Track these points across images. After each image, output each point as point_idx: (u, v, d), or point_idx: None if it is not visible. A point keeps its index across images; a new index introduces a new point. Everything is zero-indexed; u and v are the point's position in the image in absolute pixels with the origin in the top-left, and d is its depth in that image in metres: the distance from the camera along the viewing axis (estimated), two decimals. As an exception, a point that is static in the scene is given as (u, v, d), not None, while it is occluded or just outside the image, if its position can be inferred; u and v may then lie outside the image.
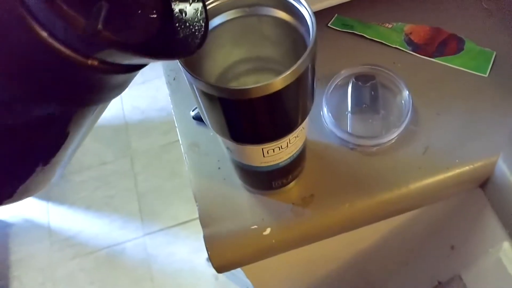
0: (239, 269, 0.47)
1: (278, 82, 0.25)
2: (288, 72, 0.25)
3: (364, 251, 0.60)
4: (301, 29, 0.30)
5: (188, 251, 1.36)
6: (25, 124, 0.20)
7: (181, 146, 0.46)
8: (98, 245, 1.40)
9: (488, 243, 0.49)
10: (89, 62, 0.18)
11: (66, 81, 0.19)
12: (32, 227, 1.46)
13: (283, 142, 0.32)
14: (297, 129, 0.32)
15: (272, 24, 0.31)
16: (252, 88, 0.25)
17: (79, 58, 0.18)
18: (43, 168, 0.23)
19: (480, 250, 0.51)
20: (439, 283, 0.65)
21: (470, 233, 0.53)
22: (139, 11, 0.21)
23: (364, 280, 0.75)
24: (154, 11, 0.21)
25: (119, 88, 0.22)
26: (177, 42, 0.22)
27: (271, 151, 0.33)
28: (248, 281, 0.54)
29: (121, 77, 0.21)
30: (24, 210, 1.50)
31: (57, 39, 0.17)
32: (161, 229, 1.41)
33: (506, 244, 0.45)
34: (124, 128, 1.65)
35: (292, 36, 0.31)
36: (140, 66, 0.22)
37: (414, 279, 0.73)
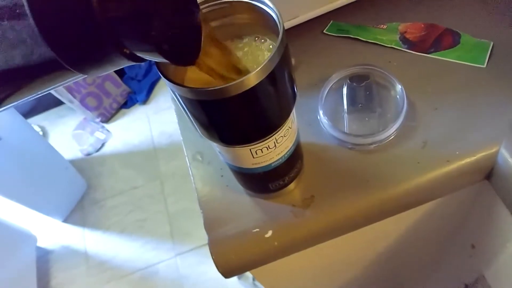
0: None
1: (251, 78, 0.27)
2: (258, 68, 0.26)
3: (381, 254, 0.59)
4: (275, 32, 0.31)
5: (219, 270, 1.37)
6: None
7: (186, 156, 0.48)
8: (132, 268, 1.43)
9: (505, 238, 0.47)
10: (125, 50, 0.21)
11: (94, 53, 0.21)
12: (70, 253, 1.52)
13: (269, 141, 0.33)
14: (282, 128, 0.33)
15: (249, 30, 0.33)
16: (227, 86, 0.26)
17: (119, 47, 0.20)
18: None
19: (499, 246, 0.50)
20: (466, 286, 0.63)
21: (487, 230, 0.51)
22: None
23: (389, 286, 0.73)
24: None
25: (114, 67, 0.24)
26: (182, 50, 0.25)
27: (259, 152, 0.34)
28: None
29: (127, 62, 0.23)
30: (62, 237, 1.56)
31: (113, 24, 0.19)
32: (192, 249, 1.43)
33: (520, 237, 0.43)
34: (153, 153, 1.70)
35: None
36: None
37: (441, 283, 0.71)
